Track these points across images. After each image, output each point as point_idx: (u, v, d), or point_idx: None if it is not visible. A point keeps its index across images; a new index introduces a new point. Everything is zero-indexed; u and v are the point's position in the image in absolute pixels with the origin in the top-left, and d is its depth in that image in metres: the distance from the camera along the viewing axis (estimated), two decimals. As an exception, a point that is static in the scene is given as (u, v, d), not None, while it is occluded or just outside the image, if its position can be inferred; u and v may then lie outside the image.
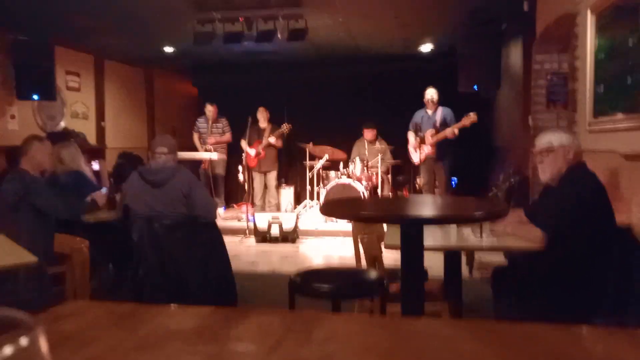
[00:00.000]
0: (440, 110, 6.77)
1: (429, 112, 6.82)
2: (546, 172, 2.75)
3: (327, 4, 5.88)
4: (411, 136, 6.91)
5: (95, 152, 7.50)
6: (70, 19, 6.36)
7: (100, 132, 8.72)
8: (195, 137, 8.41)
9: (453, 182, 6.83)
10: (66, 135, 7.19)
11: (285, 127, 7.78)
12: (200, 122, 8.39)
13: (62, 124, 7.84)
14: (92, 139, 8.38)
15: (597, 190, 2.58)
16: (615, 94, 3.33)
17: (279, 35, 6.24)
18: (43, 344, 0.33)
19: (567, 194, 2.58)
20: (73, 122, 8.05)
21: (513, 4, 5.77)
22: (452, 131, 6.44)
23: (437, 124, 6.67)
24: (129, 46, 8.07)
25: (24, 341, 0.31)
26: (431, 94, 6.77)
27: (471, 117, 6.30)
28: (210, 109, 8.27)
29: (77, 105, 8.22)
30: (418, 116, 6.92)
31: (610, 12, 3.39)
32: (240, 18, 6.19)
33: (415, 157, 6.84)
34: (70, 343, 1.00)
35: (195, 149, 8.23)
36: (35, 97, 6.78)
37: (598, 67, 3.64)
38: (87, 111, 8.45)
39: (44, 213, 3.65)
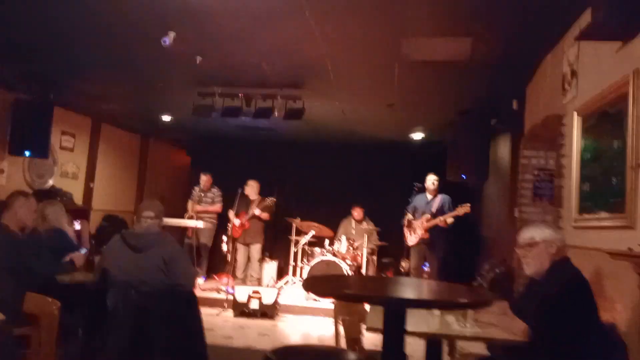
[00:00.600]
0: (439, 197, 6.87)
1: (429, 197, 6.91)
2: (530, 266, 2.76)
3: (324, 89, 6.09)
4: (407, 218, 6.95)
5: (80, 212, 7.41)
6: (74, 82, 6.50)
7: (88, 193, 8.67)
8: (189, 204, 8.41)
9: (425, 267, 6.79)
10: (52, 194, 7.13)
11: (269, 200, 7.79)
12: (195, 191, 8.41)
13: (51, 182, 7.80)
14: (78, 199, 8.32)
15: (581, 286, 2.57)
16: (600, 193, 3.38)
17: (275, 114, 6.39)
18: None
19: (550, 289, 2.57)
20: (62, 181, 8.02)
21: (503, 103, 6.01)
22: (444, 220, 6.52)
23: (434, 210, 6.74)
24: (127, 112, 8.21)
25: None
26: (432, 180, 6.88)
27: (465, 208, 6.40)
28: (204, 179, 8.32)
29: (68, 165, 8.22)
30: (418, 200, 6.99)
31: (596, 115, 3.52)
32: (239, 94, 6.35)
33: (410, 239, 6.84)
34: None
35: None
36: (27, 153, 6.78)
37: (584, 166, 3.73)
38: (77, 172, 8.45)
39: (18, 270, 3.54)
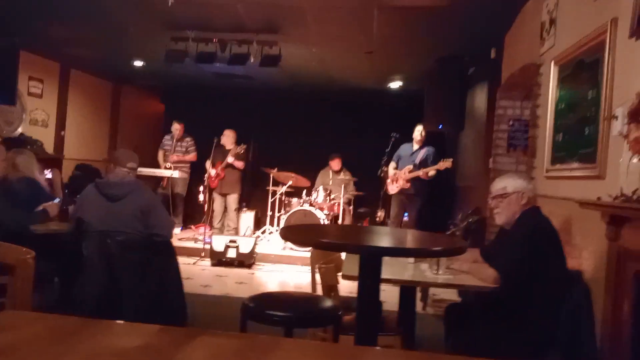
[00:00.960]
0: (425, 149, 6.84)
1: (415, 147, 6.89)
2: (501, 215, 2.83)
3: (302, 35, 5.97)
4: (391, 167, 6.96)
5: (52, 161, 7.28)
6: (40, 25, 6.25)
7: (59, 141, 8.49)
8: (160, 154, 8.33)
9: (404, 217, 6.91)
10: (22, 142, 6.98)
11: (240, 148, 7.72)
12: (166, 140, 8.33)
13: (20, 130, 7.61)
14: (49, 148, 8.16)
15: (549, 234, 2.65)
16: (573, 143, 3.44)
17: (251, 60, 6.27)
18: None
19: (519, 237, 2.65)
20: (32, 129, 7.82)
21: (481, 51, 5.99)
22: (425, 172, 6.55)
23: (417, 161, 6.75)
24: (97, 57, 7.97)
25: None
26: (419, 130, 6.82)
27: (447, 163, 6.41)
28: (176, 127, 8.22)
29: (37, 112, 8.01)
30: (403, 149, 6.97)
31: (572, 65, 3.53)
32: (214, 39, 6.19)
33: (391, 188, 6.88)
34: (8, 356, 0.94)
35: (158, 167, 8.13)
36: (-6, 99, 6.58)
37: (558, 116, 3.77)
38: (47, 119, 8.23)
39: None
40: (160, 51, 6.42)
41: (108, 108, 9.88)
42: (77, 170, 7.62)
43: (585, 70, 3.31)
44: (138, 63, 8.04)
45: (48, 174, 5.39)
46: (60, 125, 8.52)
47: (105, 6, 5.36)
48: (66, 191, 6.26)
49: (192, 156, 8.24)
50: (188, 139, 8.28)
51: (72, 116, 8.73)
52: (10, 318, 1.27)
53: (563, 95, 3.72)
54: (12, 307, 3.57)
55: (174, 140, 8.22)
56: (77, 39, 6.82)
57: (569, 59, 3.59)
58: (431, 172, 6.58)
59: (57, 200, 4.24)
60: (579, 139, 3.31)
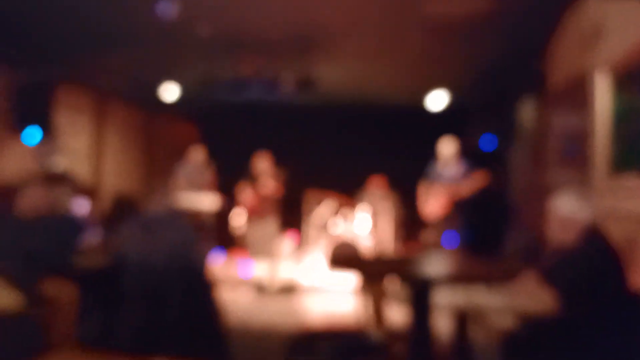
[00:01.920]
0: (459, 164, 6.61)
1: (446, 165, 6.65)
2: (559, 236, 2.76)
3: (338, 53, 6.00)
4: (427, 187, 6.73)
5: (90, 193, 7.52)
6: (78, 55, 6.47)
7: (96, 174, 8.75)
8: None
9: (451, 238, 6.66)
10: (61, 177, 7.23)
11: (281, 172, 7.71)
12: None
13: (59, 165, 7.88)
14: (86, 180, 8.42)
15: (611, 258, 2.58)
16: (633, 154, 3.36)
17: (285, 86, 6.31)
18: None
19: (580, 261, 2.58)
20: (67, 161, 8.08)
21: (528, 62, 5.89)
22: (459, 192, 6.28)
23: (452, 179, 6.50)
24: (131, 85, 8.22)
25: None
26: (448, 147, 6.63)
27: (480, 179, 6.13)
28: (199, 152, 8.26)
29: (72, 144, 8.27)
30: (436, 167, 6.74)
31: (629, 71, 3.46)
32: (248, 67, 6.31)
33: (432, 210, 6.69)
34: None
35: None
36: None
37: (615, 126, 3.69)
38: (82, 151, 8.50)
39: (32, 255, 3.64)
40: (191, 76, 6.56)
41: (143, 138, 10.13)
42: (115, 202, 7.82)
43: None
44: (172, 91, 8.24)
45: (87, 206, 5.58)
46: (97, 157, 8.79)
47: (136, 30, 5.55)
48: (104, 224, 6.45)
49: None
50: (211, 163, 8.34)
51: (108, 148, 8.99)
52: (59, 355, 1.32)
53: (619, 102, 3.64)
54: (57, 341, 3.70)
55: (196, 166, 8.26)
56: (109, 66, 7.06)
57: (623, 65, 3.52)
58: (466, 191, 6.27)
59: (94, 234, 4.37)
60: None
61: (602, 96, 3.81)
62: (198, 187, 8.12)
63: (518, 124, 6.67)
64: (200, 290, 3.62)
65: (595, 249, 2.60)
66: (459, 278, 2.40)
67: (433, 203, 6.68)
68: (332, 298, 6.60)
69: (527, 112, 6.45)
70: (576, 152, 5.33)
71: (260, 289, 6.61)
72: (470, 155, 6.93)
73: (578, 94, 4.68)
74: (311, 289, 6.90)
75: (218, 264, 8.03)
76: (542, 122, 5.56)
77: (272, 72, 6.35)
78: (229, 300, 6.14)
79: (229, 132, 9.29)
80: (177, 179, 8.22)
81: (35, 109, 6.72)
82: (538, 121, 5.88)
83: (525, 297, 2.68)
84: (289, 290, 6.62)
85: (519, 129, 6.64)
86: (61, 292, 3.84)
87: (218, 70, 6.38)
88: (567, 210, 2.72)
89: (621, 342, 2.42)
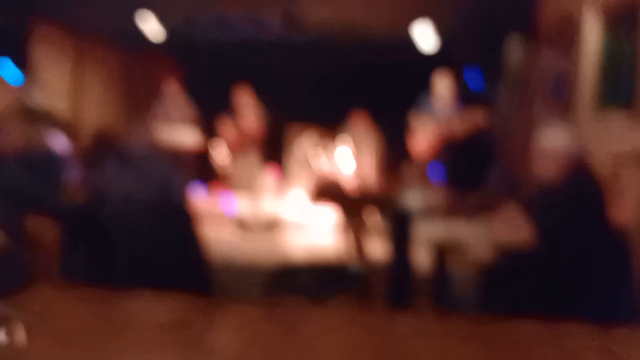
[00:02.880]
0: (453, 101, 6.42)
1: (440, 101, 6.50)
2: (545, 170, 2.77)
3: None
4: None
5: (70, 130, 7.41)
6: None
7: (76, 109, 8.61)
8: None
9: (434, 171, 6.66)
10: (40, 113, 7.09)
11: (262, 106, 7.60)
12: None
13: (36, 101, 7.72)
14: (66, 115, 8.28)
15: (596, 193, 2.61)
16: (621, 92, 3.36)
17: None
18: (20, 337, 0.34)
19: (565, 195, 2.60)
20: (45, 98, 7.92)
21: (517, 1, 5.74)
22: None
23: (448, 116, 6.39)
24: (111, 20, 7.96)
25: (1, 335, 0.32)
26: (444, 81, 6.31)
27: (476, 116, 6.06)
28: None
29: (50, 81, 8.09)
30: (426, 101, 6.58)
31: (618, 14, 3.41)
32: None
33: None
34: (42, 329, 1.00)
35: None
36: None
37: (603, 66, 3.68)
38: (61, 88, 8.32)
39: (15, 194, 3.62)
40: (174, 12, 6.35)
41: (124, 74, 9.90)
42: (96, 138, 7.72)
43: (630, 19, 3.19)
44: (153, 26, 7.99)
45: (67, 143, 5.50)
46: (76, 93, 8.61)
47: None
48: (86, 160, 6.40)
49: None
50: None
51: (87, 84, 8.80)
52: (42, 290, 1.34)
53: (608, 43, 3.61)
54: (41, 278, 3.74)
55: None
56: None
57: (613, 7, 3.47)
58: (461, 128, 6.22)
59: (76, 170, 4.34)
60: (628, 88, 3.23)
61: (591, 36, 3.78)
62: (177, 121, 8.00)
63: (505, 62, 6.60)
64: (182, 224, 3.65)
65: (581, 184, 2.62)
66: (439, 211, 2.43)
67: (423, 139, 6.56)
68: (314, 232, 6.69)
69: (514, 51, 6.37)
70: (563, 92, 5.33)
71: (243, 224, 6.67)
72: (462, 93, 6.84)
73: (567, 33, 4.62)
74: (293, 224, 6.98)
75: (200, 198, 8.05)
76: (530, 61, 5.51)
77: (256, 10, 6.15)
78: (211, 235, 6.20)
79: (210, 67, 9.10)
80: (156, 114, 8.08)
81: (11, 44, 6.51)
82: (525, 60, 5.82)
83: (505, 230, 2.73)
84: (271, 225, 6.69)
85: (507, 67, 6.58)
86: (44, 229, 3.85)
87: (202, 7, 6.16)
88: (553, 144, 2.72)
89: (600, 276, 2.49)
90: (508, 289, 2.75)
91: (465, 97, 6.69)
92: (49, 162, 4.25)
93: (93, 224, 3.85)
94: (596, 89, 3.68)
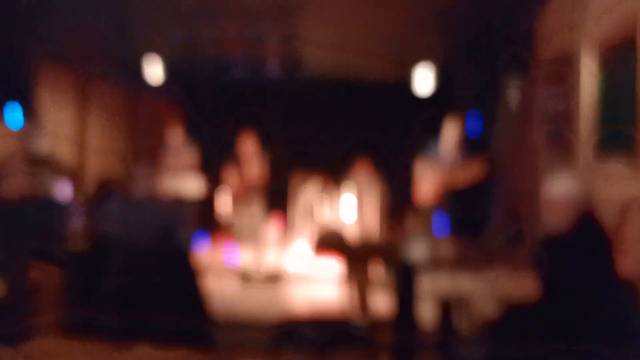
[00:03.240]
0: (458, 150, 6.42)
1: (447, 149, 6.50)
2: (551, 220, 2.75)
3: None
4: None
5: (73, 176, 7.44)
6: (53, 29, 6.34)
7: (79, 154, 8.65)
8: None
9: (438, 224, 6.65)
10: (45, 160, 7.13)
11: (266, 154, 7.63)
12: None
13: (42, 148, 7.75)
14: (69, 161, 8.32)
15: (604, 244, 2.59)
16: (621, 137, 3.37)
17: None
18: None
19: (572, 245, 2.58)
20: (50, 142, 7.97)
21: (513, 41, 5.86)
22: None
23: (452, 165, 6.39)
24: (114, 63, 8.10)
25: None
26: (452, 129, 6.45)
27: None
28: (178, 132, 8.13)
29: (54, 126, 8.15)
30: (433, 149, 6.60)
31: (615, 51, 3.45)
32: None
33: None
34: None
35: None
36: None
37: (601, 107, 3.70)
38: (63, 134, 8.36)
39: (17, 241, 3.62)
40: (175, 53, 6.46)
41: (127, 118, 9.99)
42: (98, 185, 7.75)
43: (625, 59, 3.23)
44: (153, 67, 8.11)
45: (69, 190, 5.53)
46: (79, 138, 8.66)
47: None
48: (87, 206, 6.41)
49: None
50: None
51: (90, 129, 8.86)
52: (46, 344, 1.32)
53: (607, 84, 3.63)
54: (42, 326, 3.68)
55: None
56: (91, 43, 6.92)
57: (608, 45, 3.50)
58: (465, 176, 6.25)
59: (78, 216, 4.34)
60: (629, 133, 3.23)
61: (588, 75, 3.81)
62: (180, 168, 7.99)
63: (503, 104, 6.65)
64: (184, 276, 3.62)
65: (589, 232, 2.60)
66: (444, 264, 2.41)
67: (428, 187, 6.54)
68: (317, 285, 6.60)
69: (513, 93, 6.44)
70: (562, 135, 5.36)
71: (246, 277, 6.59)
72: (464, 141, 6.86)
73: (563, 73, 4.67)
74: (297, 277, 6.89)
75: (203, 249, 7.99)
76: (528, 104, 5.56)
77: (256, 52, 6.28)
78: (214, 288, 6.12)
79: (212, 112, 9.17)
80: (159, 161, 8.10)
81: (15, 87, 6.59)
82: (524, 103, 5.88)
83: (510, 283, 2.70)
84: (274, 278, 6.61)
85: (506, 111, 6.64)
86: (46, 276, 3.82)
87: (202, 46, 6.28)
88: (561, 194, 2.70)
89: (607, 328, 2.45)
90: (515, 345, 2.70)
91: (467, 143, 6.73)
92: (52, 208, 4.27)
93: (95, 271, 3.83)
94: (596, 133, 3.69)
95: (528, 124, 5.64)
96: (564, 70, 4.45)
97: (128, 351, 1.22)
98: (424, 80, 8.30)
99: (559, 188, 2.75)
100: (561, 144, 5.35)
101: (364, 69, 7.91)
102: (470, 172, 6.24)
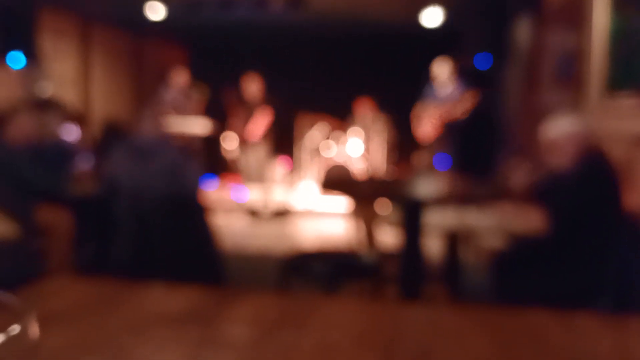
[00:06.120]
0: (454, 85, 6.51)
1: (441, 86, 6.58)
2: (558, 158, 2.72)
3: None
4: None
5: (79, 120, 7.42)
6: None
7: (85, 98, 8.62)
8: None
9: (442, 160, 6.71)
10: (50, 104, 7.11)
11: (271, 95, 7.55)
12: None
13: (47, 91, 7.74)
14: (75, 105, 8.29)
15: (610, 179, 2.57)
16: (631, 73, 3.31)
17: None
18: (34, 331, 0.33)
19: (578, 182, 2.56)
20: (54, 86, 7.93)
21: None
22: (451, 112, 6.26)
23: (449, 100, 6.47)
24: (115, 7, 7.94)
25: (15, 329, 0.31)
26: (442, 68, 6.51)
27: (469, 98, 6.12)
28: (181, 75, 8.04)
29: (59, 70, 8.10)
30: (430, 90, 6.68)
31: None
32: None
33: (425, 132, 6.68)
34: (55, 323, 0.99)
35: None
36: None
37: (612, 44, 3.62)
38: (69, 77, 8.33)
39: (26, 184, 3.64)
40: None
41: (131, 61, 9.90)
42: (105, 129, 7.75)
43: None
44: (158, 12, 7.97)
45: (77, 133, 5.53)
46: (84, 82, 8.62)
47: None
48: (95, 151, 6.43)
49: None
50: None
51: (95, 72, 8.80)
52: (55, 283, 1.34)
53: (618, 20, 3.54)
54: (53, 269, 3.76)
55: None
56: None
57: None
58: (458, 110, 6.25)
59: (86, 161, 4.36)
60: (638, 68, 3.17)
61: (599, 14, 3.71)
62: (185, 111, 7.97)
63: (513, 42, 6.53)
64: (193, 214, 3.65)
65: (595, 169, 2.58)
66: (450, 199, 2.41)
67: (426, 124, 6.68)
68: (324, 221, 6.70)
69: (522, 30, 6.30)
70: (571, 72, 5.26)
71: (254, 213, 6.68)
72: (467, 74, 6.83)
73: (574, 11, 4.55)
74: (304, 213, 6.99)
75: (211, 188, 8.06)
76: (538, 42, 5.44)
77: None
78: (222, 224, 6.23)
79: (217, 54, 9.07)
80: (163, 103, 8.04)
81: (19, 32, 6.51)
82: (534, 41, 5.75)
83: (517, 217, 2.71)
84: (282, 214, 6.70)
85: (514, 47, 6.51)
86: (56, 219, 3.87)
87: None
88: (565, 130, 2.67)
89: (615, 263, 2.47)
90: (520, 277, 2.73)
91: (474, 77, 6.68)
92: (60, 152, 4.27)
93: (103, 214, 3.86)
94: (606, 71, 3.62)
95: (537, 61, 5.53)
96: (576, 4, 4.32)
97: (139, 289, 1.23)
98: (430, 17, 8.10)
99: (566, 125, 2.71)
100: (570, 80, 5.27)
101: (370, 10, 7.69)
102: (464, 105, 6.24)
